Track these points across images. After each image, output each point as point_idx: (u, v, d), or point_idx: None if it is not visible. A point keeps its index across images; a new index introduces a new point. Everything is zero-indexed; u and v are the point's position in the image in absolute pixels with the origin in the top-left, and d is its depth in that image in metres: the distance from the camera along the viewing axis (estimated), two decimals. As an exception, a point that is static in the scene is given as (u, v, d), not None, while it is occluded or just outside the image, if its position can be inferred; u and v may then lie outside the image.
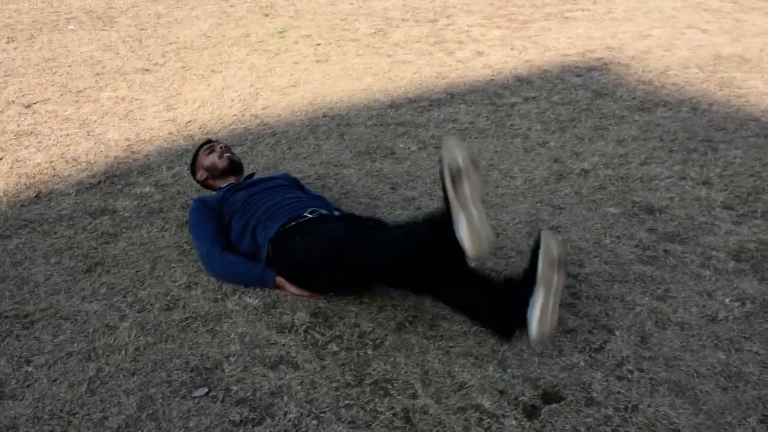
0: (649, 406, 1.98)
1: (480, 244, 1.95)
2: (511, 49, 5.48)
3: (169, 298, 2.52)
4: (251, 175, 2.99)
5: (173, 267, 2.70)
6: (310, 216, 2.55)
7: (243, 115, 4.25)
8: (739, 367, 2.13)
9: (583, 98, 4.37)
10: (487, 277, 2.33)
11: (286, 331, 2.33)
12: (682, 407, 1.98)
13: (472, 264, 2.27)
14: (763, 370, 2.11)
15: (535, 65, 5.07)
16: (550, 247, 1.99)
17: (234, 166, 2.95)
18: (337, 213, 2.67)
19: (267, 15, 6.97)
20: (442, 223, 2.03)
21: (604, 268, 2.63)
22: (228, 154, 2.97)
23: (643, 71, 4.88)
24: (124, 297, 2.53)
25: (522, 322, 2.03)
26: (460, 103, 4.34)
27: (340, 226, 2.46)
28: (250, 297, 2.51)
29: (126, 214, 3.10)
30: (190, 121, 4.16)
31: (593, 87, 4.57)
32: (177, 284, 2.59)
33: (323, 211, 2.61)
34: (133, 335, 2.32)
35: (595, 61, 5.15)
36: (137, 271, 2.68)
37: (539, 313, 1.98)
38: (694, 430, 1.90)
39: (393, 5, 7.23)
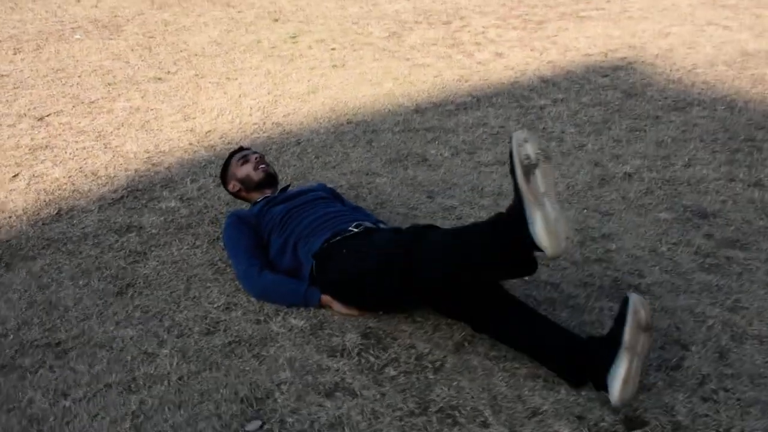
0: (742, 430, 1.84)
1: (558, 241, 1.81)
2: (532, 50, 5.34)
3: (208, 321, 2.37)
4: (287, 187, 2.84)
5: (209, 287, 2.56)
6: (355, 230, 2.40)
7: (264, 123, 4.10)
8: (830, 384, 1.98)
9: (613, 99, 4.24)
10: (555, 323, 2.13)
11: (338, 354, 2.18)
12: (777, 430, 1.83)
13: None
14: None
15: (558, 66, 4.93)
16: (638, 310, 1.84)
17: (270, 179, 2.81)
18: (382, 225, 2.53)
19: (276, 20, 6.83)
20: (509, 222, 1.90)
21: (665, 277, 2.49)
22: (263, 166, 2.82)
23: (671, 70, 4.75)
24: (160, 321, 2.38)
25: (601, 386, 1.89)
26: (487, 107, 4.20)
27: (388, 236, 2.31)
28: (294, 318, 2.36)
29: (153, 231, 2.95)
30: (209, 131, 4.02)
31: (622, 87, 4.44)
32: (215, 306, 2.45)
33: (368, 224, 2.46)
34: (174, 363, 2.17)
35: (619, 60, 5.02)
36: (171, 292, 2.54)
37: (623, 378, 1.83)
38: (794, 457, 1.75)
39: (403, 8, 7.10)
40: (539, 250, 1.85)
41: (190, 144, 3.83)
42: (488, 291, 2.16)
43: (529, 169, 1.83)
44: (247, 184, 2.80)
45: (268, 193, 2.78)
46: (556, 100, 4.25)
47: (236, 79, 4.97)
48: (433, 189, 3.22)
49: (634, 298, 1.87)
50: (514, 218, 1.87)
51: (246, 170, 2.81)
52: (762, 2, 6.70)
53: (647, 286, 2.45)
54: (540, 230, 1.81)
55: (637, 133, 3.72)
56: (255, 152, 2.92)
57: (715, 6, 6.66)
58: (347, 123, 4.05)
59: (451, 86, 4.60)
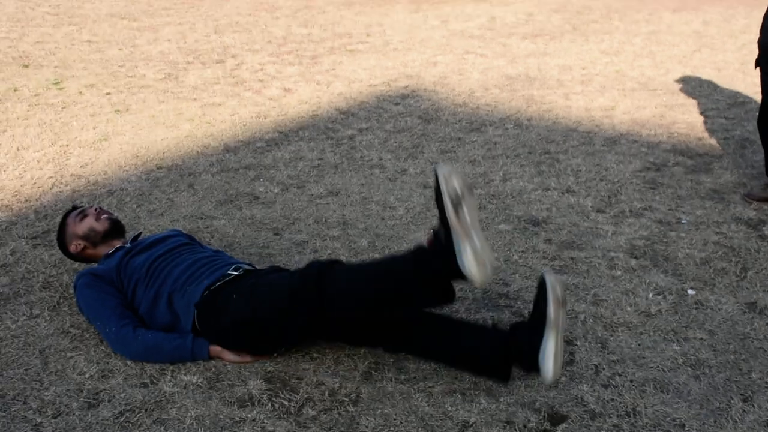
0: (645, 407, 2.03)
1: (486, 270, 1.89)
2: (317, 84, 5.45)
3: (85, 393, 2.12)
4: (138, 236, 2.63)
5: (71, 357, 2.29)
6: (236, 273, 2.29)
7: (62, 177, 3.76)
8: (696, 355, 2.25)
9: (414, 125, 4.45)
10: (471, 322, 2.23)
11: (248, 404, 2.06)
12: (674, 402, 2.04)
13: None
14: (716, 353, 2.26)
15: (348, 97, 5.08)
16: (555, 287, 1.95)
17: (117, 227, 2.58)
18: (259, 268, 2.44)
19: (27, 66, 6.29)
20: (435, 254, 1.94)
21: (528, 283, 2.66)
22: (106, 215, 2.59)
23: (453, 95, 5.10)
24: (25, 403, 2.08)
25: (532, 367, 1.97)
26: (297, 141, 4.21)
27: (287, 274, 2.24)
28: (185, 374, 2.19)
29: (-26, 306, 2.57)
30: (-3, 190, 3.60)
31: (417, 113, 4.68)
32: (87, 376, 2.19)
33: (246, 266, 2.37)
34: (64, 446, 1.91)
35: (403, 89, 5.29)
36: (26, 370, 2.23)
37: (553, 354, 1.92)
38: (697, 422, 1.97)
39: (168, 49, 6.89)
40: (464, 279, 1.91)
41: (-18, 205, 3.40)
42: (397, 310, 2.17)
43: (458, 204, 1.89)
44: (93, 239, 2.55)
45: (117, 243, 2.56)
46: (361, 130, 4.37)
47: (5, 131, 4.50)
48: (277, 226, 3.16)
49: (549, 277, 1.96)
50: (442, 250, 1.92)
51: (88, 224, 2.56)
52: (501, 33, 7.44)
53: (515, 292, 2.60)
54: (470, 261, 1.87)
55: (449, 154, 3.94)
56: (90, 205, 2.67)
57: (464, 37, 7.27)
58: (157, 168, 3.83)
59: (252, 123, 4.55)
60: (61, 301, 2.59)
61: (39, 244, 3.03)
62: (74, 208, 2.66)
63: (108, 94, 5.32)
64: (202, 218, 3.24)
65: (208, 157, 3.97)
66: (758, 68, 3.17)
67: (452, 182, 1.89)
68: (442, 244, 1.93)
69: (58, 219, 3.18)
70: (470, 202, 1.90)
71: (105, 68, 6.14)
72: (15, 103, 5.09)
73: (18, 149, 4.15)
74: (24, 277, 2.77)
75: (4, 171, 3.83)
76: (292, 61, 6.27)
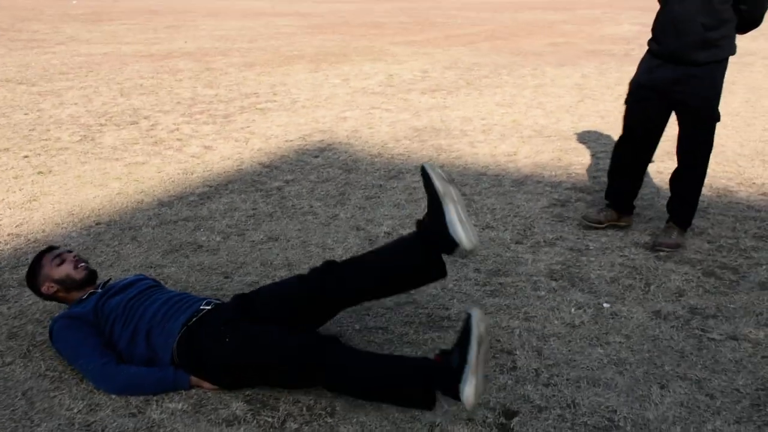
0: (582, 399, 2.37)
1: (471, 236, 2.27)
2: (236, 141, 5.69)
3: (77, 426, 2.26)
4: (107, 282, 2.79)
5: (55, 396, 2.42)
6: (208, 308, 2.51)
7: (-1, 236, 3.82)
8: (617, 355, 2.62)
9: (336, 175, 4.76)
10: (395, 357, 2.49)
11: (235, 423, 2.26)
12: (606, 393, 2.39)
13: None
14: (633, 353, 2.63)
15: (269, 152, 5.34)
16: (479, 324, 2.14)
17: (93, 276, 2.74)
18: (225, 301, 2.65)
19: (-69, 133, 6.21)
20: (429, 229, 2.32)
21: (464, 306, 2.99)
22: (83, 264, 2.74)
23: (367, 147, 5.45)
24: (18, 440, 2.21)
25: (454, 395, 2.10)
26: (228, 193, 4.42)
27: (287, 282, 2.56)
28: (169, 402, 2.36)
29: (-58, 359, 2.65)
30: (-66, 251, 3.63)
31: (337, 165, 5.00)
32: (76, 411, 2.33)
33: (215, 301, 2.58)
34: (69, 473, 2.05)
35: (319, 143, 5.60)
36: (13, 411, 2.34)
37: (474, 386, 2.06)
38: (626, 407, 2.32)
39: (76, 112, 6.95)
40: (456, 246, 2.27)
41: (-76, 266, 3.43)
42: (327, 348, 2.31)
43: (445, 181, 2.27)
44: (68, 284, 2.69)
45: (90, 289, 2.71)
46: (288, 181, 4.64)
47: (-75, 195, 4.49)
48: (226, 270, 3.36)
49: (474, 314, 2.16)
50: (433, 224, 2.29)
51: (65, 270, 2.70)
52: (402, 89, 7.91)
53: (455, 314, 2.92)
54: (458, 228, 2.24)
55: (374, 200, 4.26)
56: (68, 251, 2.82)
57: (366, 93, 7.69)
58: (96, 224, 3.96)
59: (180, 179, 4.73)
60: (31, 348, 2.70)
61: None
62: (50, 249, 2.79)
63: (26, 156, 5.36)
64: (152, 267, 3.40)
65: (145, 212, 4.12)
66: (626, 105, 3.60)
67: (438, 170, 2.31)
68: (433, 219, 2.30)
69: (7, 275, 3.29)
70: (455, 187, 2.30)
71: (15, 132, 6.15)
72: (-72, 169, 5.05)
73: (-56, 212, 4.17)
74: (-14, 329, 2.86)
75: (-65, 234, 3.85)
76: (206, 120, 6.48)
